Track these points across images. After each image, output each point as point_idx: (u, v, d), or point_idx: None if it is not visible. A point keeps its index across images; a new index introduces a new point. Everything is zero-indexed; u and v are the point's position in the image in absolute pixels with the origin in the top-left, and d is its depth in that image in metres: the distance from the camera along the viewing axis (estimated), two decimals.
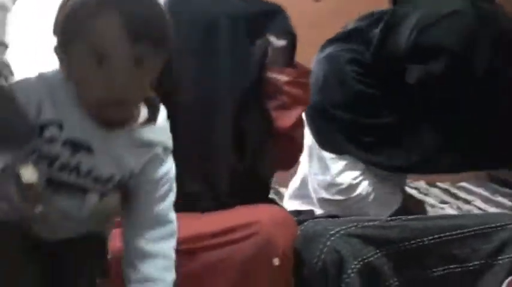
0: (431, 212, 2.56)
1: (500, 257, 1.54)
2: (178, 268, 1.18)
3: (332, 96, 1.69)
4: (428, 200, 2.74)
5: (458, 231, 1.55)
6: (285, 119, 1.54)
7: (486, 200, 2.78)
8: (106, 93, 0.98)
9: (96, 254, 1.19)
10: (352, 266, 1.44)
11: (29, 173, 0.94)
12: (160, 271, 1.12)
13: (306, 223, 1.56)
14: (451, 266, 1.52)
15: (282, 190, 2.50)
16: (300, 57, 1.58)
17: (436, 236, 1.53)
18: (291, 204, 1.84)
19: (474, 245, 1.54)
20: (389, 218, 1.59)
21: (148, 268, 1.11)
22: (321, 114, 1.71)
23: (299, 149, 1.63)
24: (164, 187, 1.14)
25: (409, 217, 1.59)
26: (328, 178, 1.69)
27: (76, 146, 1.02)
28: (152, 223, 1.13)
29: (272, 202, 1.61)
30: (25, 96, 1.00)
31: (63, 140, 1.02)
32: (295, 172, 1.89)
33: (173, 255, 1.15)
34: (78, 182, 1.05)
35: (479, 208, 2.67)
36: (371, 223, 1.53)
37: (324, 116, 1.70)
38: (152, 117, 1.08)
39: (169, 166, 1.14)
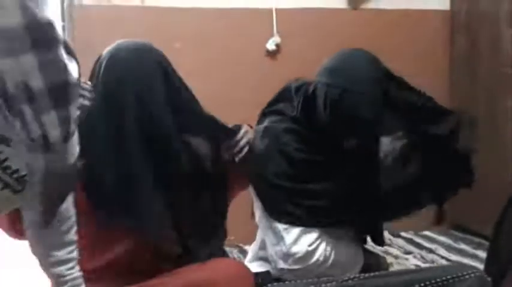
0: (395, 263, 2.58)
1: None
2: None
3: (274, 166, 1.69)
4: (392, 251, 2.76)
5: (417, 286, 1.56)
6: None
7: (449, 248, 2.82)
8: None
9: None
10: None
11: None
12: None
13: None
14: None
15: (246, 247, 2.50)
16: None
17: None
18: (251, 266, 1.81)
19: None
20: (347, 277, 1.58)
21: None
22: (268, 185, 1.70)
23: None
24: None
25: (367, 274, 1.60)
26: (283, 249, 1.68)
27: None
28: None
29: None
30: None
31: None
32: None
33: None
34: None
35: (443, 257, 2.70)
36: (328, 284, 1.53)
37: (271, 186, 1.69)
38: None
39: None
